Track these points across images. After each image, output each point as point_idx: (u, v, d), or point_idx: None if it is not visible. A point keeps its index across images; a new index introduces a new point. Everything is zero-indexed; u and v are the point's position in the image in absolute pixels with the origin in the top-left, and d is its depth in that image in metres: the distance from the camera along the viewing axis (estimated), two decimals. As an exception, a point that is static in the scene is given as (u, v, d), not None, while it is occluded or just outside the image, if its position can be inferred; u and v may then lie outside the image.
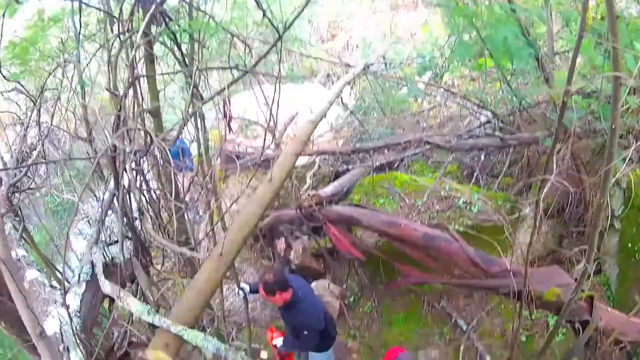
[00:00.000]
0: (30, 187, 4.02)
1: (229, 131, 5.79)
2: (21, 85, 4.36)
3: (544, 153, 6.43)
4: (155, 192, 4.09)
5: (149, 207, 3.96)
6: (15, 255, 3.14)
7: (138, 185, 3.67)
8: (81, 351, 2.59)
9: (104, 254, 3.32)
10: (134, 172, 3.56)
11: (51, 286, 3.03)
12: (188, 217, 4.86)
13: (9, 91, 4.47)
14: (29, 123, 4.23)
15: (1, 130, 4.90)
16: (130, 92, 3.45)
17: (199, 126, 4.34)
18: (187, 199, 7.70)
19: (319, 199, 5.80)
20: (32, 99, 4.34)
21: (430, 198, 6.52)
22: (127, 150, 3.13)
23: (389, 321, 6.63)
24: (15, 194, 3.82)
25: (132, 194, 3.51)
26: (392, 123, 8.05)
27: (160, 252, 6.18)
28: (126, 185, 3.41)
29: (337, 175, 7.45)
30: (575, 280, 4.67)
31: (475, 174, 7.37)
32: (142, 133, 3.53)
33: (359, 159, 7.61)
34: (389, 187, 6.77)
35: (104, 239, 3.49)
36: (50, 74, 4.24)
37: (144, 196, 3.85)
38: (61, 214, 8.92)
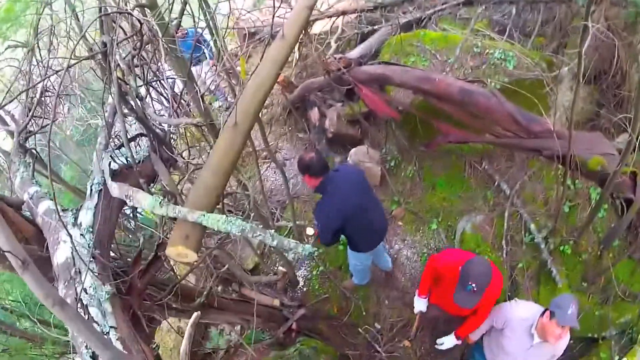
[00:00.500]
0: (43, 125, 3.72)
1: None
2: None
3: (576, 14, 6.17)
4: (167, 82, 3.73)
5: (163, 97, 3.67)
6: (27, 195, 2.91)
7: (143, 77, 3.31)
8: (94, 270, 2.39)
9: (117, 158, 3.02)
10: (138, 67, 3.20)
11: (63, 210, 2.76)
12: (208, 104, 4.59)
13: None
14: (29, 67, 3.88)
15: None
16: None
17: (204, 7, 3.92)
18: (211, 86, 7.61)
19: (347, 61, 5.38)
20: (24, 44, 4.04)
21: (462, 54, 6.06)
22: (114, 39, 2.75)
23: (431, 185, 6.45)
24: (29, 138, 3.55)
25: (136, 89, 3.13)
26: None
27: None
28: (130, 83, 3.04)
29: (363, 38, 7.05)
30: (619, 152, 4.42)
31: (507, 30, 6.82)
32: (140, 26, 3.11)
33: (384, 19, 7.08)
34: (419, 44, 6.30)
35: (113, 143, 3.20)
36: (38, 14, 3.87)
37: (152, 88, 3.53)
38: (88, 142, 8.88)
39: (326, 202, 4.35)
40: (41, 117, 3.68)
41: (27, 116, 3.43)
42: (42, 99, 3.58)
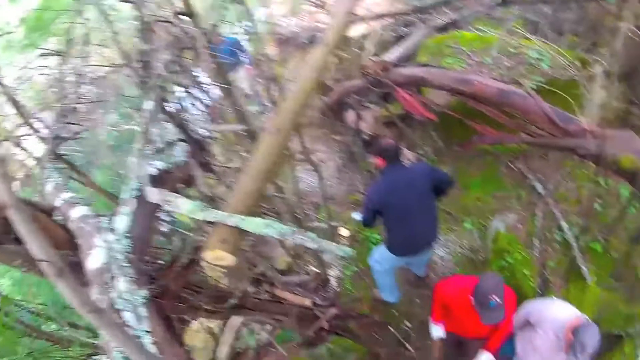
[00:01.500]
0: (77, 132, 3.78)
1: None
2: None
3: (608, 12, 6.01)
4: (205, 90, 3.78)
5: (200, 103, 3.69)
6: (61, 201, 2.91)
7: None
8: (129, 274, 2.38)
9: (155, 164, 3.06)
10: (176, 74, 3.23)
11: (98, 216, 2.77)
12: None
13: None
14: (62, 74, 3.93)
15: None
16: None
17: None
18: (249, 92, 7.68)
19: (384, 64, 5.40)
20: (56, 52, 4.05)
21: (498, 54, 6.01)
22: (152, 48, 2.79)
23: (466, 185, 6.40)
24: (61, 144, 3.60)
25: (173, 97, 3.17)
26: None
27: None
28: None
29: (400, 41, 6.99)
30: None
31: (541, 29, 6.75)
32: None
33: (421, 21, 7.04)
34: (455, 46, 6.26)
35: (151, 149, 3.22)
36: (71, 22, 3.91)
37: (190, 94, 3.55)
38: (121, 148, 9.01)
39: (378, 183, 4.70)
40: (74, 124, 3.72)
41: (60, 123, 3.47)
42: (75, 106, 3.62)
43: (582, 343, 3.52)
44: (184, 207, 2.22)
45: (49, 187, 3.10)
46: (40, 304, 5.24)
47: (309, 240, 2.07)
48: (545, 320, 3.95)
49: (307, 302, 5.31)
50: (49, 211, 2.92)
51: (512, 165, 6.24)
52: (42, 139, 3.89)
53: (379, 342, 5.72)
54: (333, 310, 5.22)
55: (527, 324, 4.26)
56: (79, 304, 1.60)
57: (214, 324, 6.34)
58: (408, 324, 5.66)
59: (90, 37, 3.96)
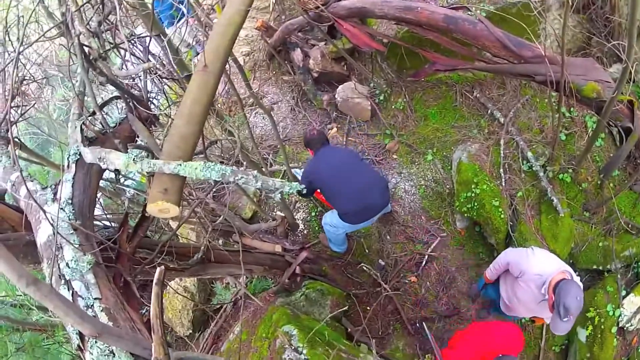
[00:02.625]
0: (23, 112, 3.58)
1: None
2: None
3: None
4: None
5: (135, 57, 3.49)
6: (10, 183, 2.78)
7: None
8: (75, 242, 2.31)
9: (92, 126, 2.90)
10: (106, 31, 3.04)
11: (43, 188, 2.66)
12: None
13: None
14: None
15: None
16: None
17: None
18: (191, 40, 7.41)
19: None
20: None
21: None
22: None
23: (423, 116, 6.33)
24: (9, 127, 3.40)
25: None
26: None
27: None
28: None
29: None
30: (614, 81, 4.37)
31: None
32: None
33: None
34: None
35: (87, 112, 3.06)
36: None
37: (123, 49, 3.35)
38: None
39: (311, 163, 4.94)
40: (21, 106, 3.53)
41: (5, 107, 3.25)
42: (19, 87, 3.42)
43: (565, 307, 3.50)
44: (117, 161, 2.07)
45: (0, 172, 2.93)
46: (20, 295, 5.11)
47: (252, 179, 1.95)
48: (528, 276, 3.94)
49: (278, 248, 5.28)
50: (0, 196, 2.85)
51: (468, 95, 6.16)
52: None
53: (354, 283, 5.74)
54: (304, 254, 5.22)
55: (509, 274, 4.28)
56: (16, 277, 1.50)
57: (189, 282, 6.30)
58: (382, 262, 5.66)
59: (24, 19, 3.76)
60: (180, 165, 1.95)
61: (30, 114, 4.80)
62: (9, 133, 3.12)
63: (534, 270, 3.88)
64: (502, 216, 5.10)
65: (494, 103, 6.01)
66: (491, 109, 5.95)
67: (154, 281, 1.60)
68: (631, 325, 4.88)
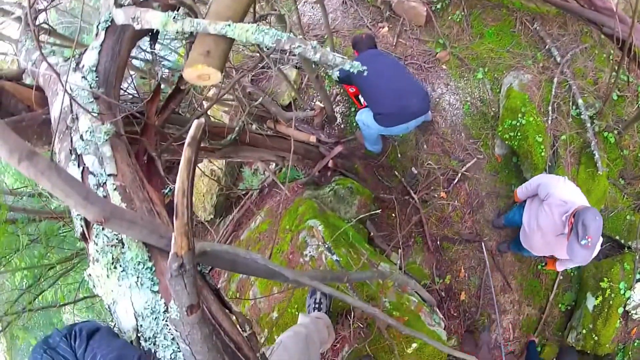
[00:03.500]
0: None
1: None
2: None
3: None
4: None
5: None
6: (30, 62, 2.48)
7: None
8: (94, 111, 1.96)
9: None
10: None
11: (65, 60, 2.34)
12: None
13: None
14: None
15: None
16: None
17: None
18: None
19: None
20: None
21: None
22: None
23: (479, 33, 5.92)
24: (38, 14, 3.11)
25: None
26: None
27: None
28: None
29: None
30: None
31: None
32: None
33: None
34: None
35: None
36: None
37: None
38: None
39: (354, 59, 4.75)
40: None
41: None
42: None
43: (584, 224, 3.42)
44: (154, 21, 1.77)
45: (22, 56, 2.65)
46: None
47: (311, 50, 1.66)
48: (553, 200, 3.85)
49: (312, 138, 5.08)
50: (16, 77, 2.55)
51: (528, 25, 5.74)
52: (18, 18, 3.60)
53: (384, 187, 5.57)
54: (339, 148, 5.02)
55: (537, 197, 4.17)
56: (7, 152, 1.21)
57: (216, 165, 6.18)
58: (414, 170, 5.44)
59: None
60: (230, 25, 1.66)
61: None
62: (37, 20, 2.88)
63: (561, 196, 3.82)
64: (542, 154, 4.87)
65: (553, 40, 5.64)
66: (549, 45, 5.61)
67: (188, 139, 1.25)
68: (636, 314, 4.80)
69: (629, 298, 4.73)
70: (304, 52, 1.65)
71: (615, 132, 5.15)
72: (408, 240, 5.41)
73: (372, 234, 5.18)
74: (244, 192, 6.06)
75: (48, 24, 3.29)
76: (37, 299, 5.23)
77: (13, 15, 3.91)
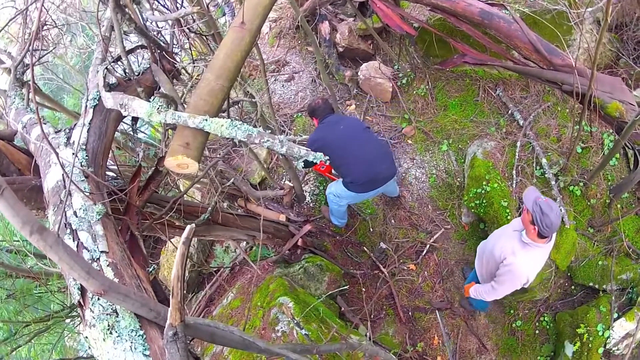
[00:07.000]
0: (41, 56, 3.54)
1: None
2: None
3: None
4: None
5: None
6: (21, 124, 2.71)
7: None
8: (86, 190, 2.19)
9: (115, 72, 2.83)
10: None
11: (56, 132, 2.55)
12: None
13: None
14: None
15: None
16: None
17: None
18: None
19: None
20: None
21: None
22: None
23: (444, 106, 6.26)
24: (26, 72, 3.36)
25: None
26: None
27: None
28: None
29: None
30: (638, 105, 4.37)
31: None
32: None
33: None
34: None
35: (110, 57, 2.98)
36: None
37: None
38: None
39: (316, 131, 4.82)
40: (39, 50, 3.49)
41: (24, 50, 3.21)
42: (40, 32, 3.36)
43: (541, 211, 3.34)
44: (140, 109, 1.99)
45: (12, 113, 2.87)
46: (17, 241, 5.10)
47: (278, 144, 1.89)
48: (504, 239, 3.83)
49: (282, 217, 5.24)
50: (9, 137, 2.75)
51: (491, 92, 6.09)
52: (7, 70, 3.71)
53: (353, 263, 5.73)
54: (308, 227, 5.18)
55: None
56: (20, 224, 1.38)
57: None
58: (383, 245, 5.63)
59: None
60: (207, 120, 1.89)
61: (47, 59, 4.73)
62: (25, 75, 3.08)
63: (511, 227, 3.85)
64: (509, 217, 5.03)
65: (515, 104, 5.96)
66: (512, 109, 5.90)
67: (182, 240, 1.49)
68: (617, 350, 4.86)
69: (608, 337, 4.79)
70: (272, 145, 1.88)
71: (582, 184, 5.31)
72: (380, 312, 5.50)
73: (342, 308, 5.27)
74: (215, 269, 6.14)
75: (35, 83, 3.49)
76: (12, 354, 5.16)
77: (3, 65, 4.01)
